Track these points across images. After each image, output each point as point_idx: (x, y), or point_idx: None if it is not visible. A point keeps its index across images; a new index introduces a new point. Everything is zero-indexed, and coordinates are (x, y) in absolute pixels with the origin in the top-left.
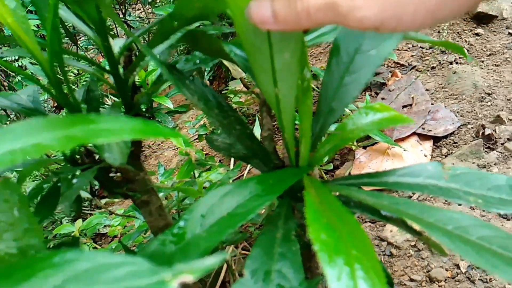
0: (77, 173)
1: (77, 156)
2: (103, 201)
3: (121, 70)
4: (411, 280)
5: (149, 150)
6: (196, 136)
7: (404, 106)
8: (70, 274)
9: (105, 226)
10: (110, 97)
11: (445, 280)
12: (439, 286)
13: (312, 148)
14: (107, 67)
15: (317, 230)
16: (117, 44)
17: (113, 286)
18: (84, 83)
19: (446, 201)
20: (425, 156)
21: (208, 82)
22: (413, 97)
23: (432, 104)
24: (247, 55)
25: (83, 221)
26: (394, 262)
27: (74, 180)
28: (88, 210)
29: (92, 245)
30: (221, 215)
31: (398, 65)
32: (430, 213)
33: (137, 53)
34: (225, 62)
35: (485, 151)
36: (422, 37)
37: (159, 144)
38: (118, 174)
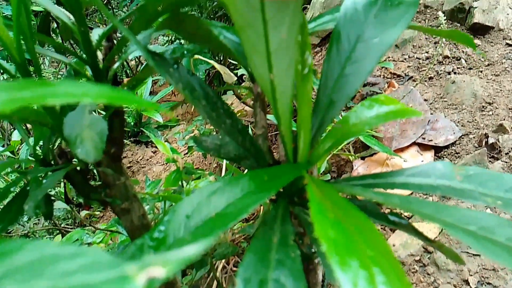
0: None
1: (50, 157)
2: (83, 213)
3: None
4: None
5: (137, 165)
6: (186, 151)
7: None
8: (10, 266)
9: (88, 244)
10: None
11: None
12: None
13: (312, 143)
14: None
15: (324, 227)
16: (96, 33)
17: (61, 282)
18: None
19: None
20: None
21: None
22: (411, 107)
23: (431, 114)
24: (238, 34)
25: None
26: None
27: (44, 181)
28: (70, 228)
29: None
30: (208, 216)
31: (395, 76)
32: (448, 212)
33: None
34: (217, 66)
35: (489, 160)
36: (428, 29)
37: (147, 160)
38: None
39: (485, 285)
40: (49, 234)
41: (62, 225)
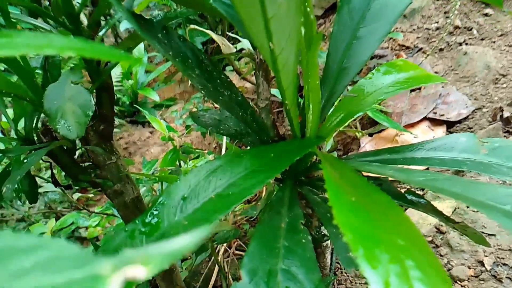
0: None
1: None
2: (76, 196)
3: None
4: None
5: (134, 146)
6: (185, 130)
7: (411, 90)
8: None
9: (86, 228)
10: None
11: (468, 279)
12: (461, 286)
13: (321, 115)
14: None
15: (345, 213)
16: None
17: (10, 285)
18: None
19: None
20: None
21: None
22: None
23: (442, 87)
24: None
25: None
26: None
27: (25, 161)
28: (67, 211)
29: None
30: (208, 197)
31: (403, 48)
32: (480, 191)
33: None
34: (214, 37)
35: (504, 135)
36: None
37: (144, 140)
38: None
39: (500, 266)
40: (45, 218)
41: (59, 209)
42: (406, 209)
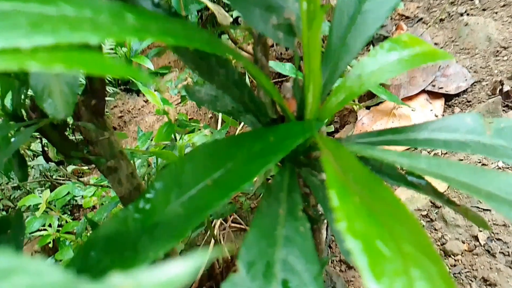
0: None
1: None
2: (70, 168)
3: None
4: None
5: (128, 115)
6: (180, 100)
7: None
8: None
9: (81, 196)
10: None
11: (462, 253)
12: (455, 260)
13: (322, 95)
14: None
15: (349, 216)
16: None
17: None
18: None
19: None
20: (436, 116)
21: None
22: None
23: None
24: None
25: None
26: None
27: (13, 140)
28: (62, 179)
29: (63, 219)
30: (204, 184)
31: (403, 17)
32: (486, 179)
33: None
34: (210, 5)
35: (504, 109)
36: None
37: (139, 109)
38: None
39: (495, 241)
40: (40, 186)
41: (54, 177)
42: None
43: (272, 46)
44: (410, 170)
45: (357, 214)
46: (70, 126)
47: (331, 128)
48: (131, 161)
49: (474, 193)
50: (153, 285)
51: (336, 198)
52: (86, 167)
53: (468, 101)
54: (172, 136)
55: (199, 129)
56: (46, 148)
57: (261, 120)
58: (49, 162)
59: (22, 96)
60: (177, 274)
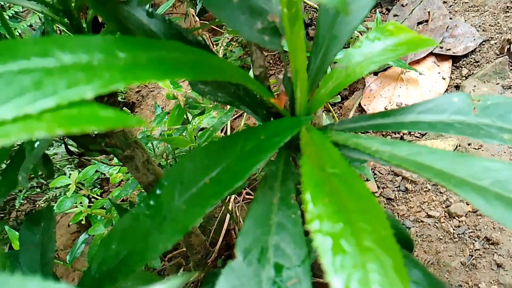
0: None
1: None
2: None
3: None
4: (429, 216)
5: (145, 89)
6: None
7: (419, 23)
8: None
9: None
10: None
11: (466, 214)
12: (459, 221)
13: (311, 87)
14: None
15: (320, 219)
16: None
17: None
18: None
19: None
20: (443, 79)
21: (198, 21)
22: (429, 12)
23: (450, 18)
24: None
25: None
26: (409, 198)
27: (37, 143)
28: (88, 159)
29: (93, 193)
30: (203, 182)
31: None
32: (462, 165)
33: None
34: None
35: (511, 69)
36: None
37: (155, 83)
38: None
39: None
40: (69, 164)
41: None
42: None
43: None
44: (388, 160)
45: (326, 215)
46: None
47: (338, 98)
48: (151, 143)
49: (446, 183)
50: None
51: (310, 200)
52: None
53: (476, 61)
54: (185, 117)
55: (209, 111)
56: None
57: (258, 112)
58: (72, 156)
59: None
60: None
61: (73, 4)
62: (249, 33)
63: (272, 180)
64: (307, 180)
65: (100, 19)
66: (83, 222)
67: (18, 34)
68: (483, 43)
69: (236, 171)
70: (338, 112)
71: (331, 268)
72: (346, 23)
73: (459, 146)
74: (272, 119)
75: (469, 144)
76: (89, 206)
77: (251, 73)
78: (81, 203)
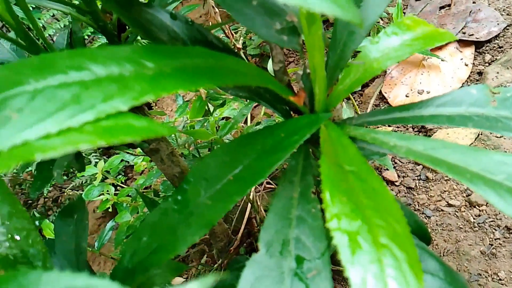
0: None
1: None
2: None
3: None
4: (449, 205)
5: None
6: None
7: (441, 8)
8: None
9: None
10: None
11: (486, 204)
12: (480, 210)
13: (329, 83)
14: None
15: (338, 217)
16: None
17: None
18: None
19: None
20: (466, 65)
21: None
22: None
23: (473, 2)
24: None
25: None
26: (430, 187)
27: None
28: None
29: (118, 180)
30: (226, 179)
31: None
32: (477, 160)
33: None
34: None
35: None
36: None
37: None
38: None
39: None
40: (94, 152)
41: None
42: None
43: None
44: (405, 155)
45: (343, 214)
46: None
47: (358, 87)
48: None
49: (459, 177)
50: None
51: (329, 199)
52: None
53: (500, 47)
54: (206, 108)
55: (229, 102)
56: None
57: (278, 108)
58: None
59: None
60: None
61: (99, 6)
62: (267, 34)
63: (292, 174)
64: (325, 179)
65: None
66: (110, 210)
67: (41, 25)
68: (507, 27)
69: (257, 169)
70: (359, 100)
71: (349, 265)
72: (365, 18)
73: (481, 134)
74: (292, 113)
75: (491, 132)
76: (115, 194)
77: (270, 65)
78: (107, 191)
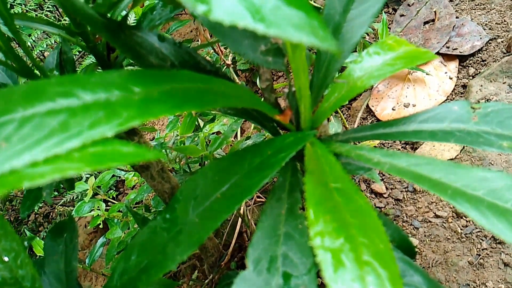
0: None
1: None
2: None
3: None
4: (437, 216)
5: None
6: None
7: (425, 23)
8: None
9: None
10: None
11: None
12: (466, 221)
13: (315, 101)
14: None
15: (321, 235)
16: None
17: None
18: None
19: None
20: (450, 78)
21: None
22: (435, 11)
23: (457, 17)
24: None
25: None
26: (417, 199)
27: None
28: None
29: (110, 195)
30: (214, 197)
31: None
32: (458, 176)
33: None
34: None
35: None
36: None
37: None
38: None
39: None
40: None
41: None
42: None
43: None
44: (388, 171)
45: (327, 232)
46: None
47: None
48: (164, 150)
49: (441, 193)
50: None
51: (313, 217)
52: None
53: (483, 60)
54: (196, 123)
55: (219, 118)
56: None
57: (266, 125)
58: None
59: None
60: None
61: (89, 28)
62: (253, 56)
63: (280, 191)
64: (309, 197)
65: None
66: (100, 226)
67: (33, 39)
68: (490, 41)
69: (244, 186)
70: (347, 113)
71: (332, 283)
72: (347, 40)
73: (466, 146)
74: (280, 130)
75: None
76: (106, 209)
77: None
78: (98, 207)
